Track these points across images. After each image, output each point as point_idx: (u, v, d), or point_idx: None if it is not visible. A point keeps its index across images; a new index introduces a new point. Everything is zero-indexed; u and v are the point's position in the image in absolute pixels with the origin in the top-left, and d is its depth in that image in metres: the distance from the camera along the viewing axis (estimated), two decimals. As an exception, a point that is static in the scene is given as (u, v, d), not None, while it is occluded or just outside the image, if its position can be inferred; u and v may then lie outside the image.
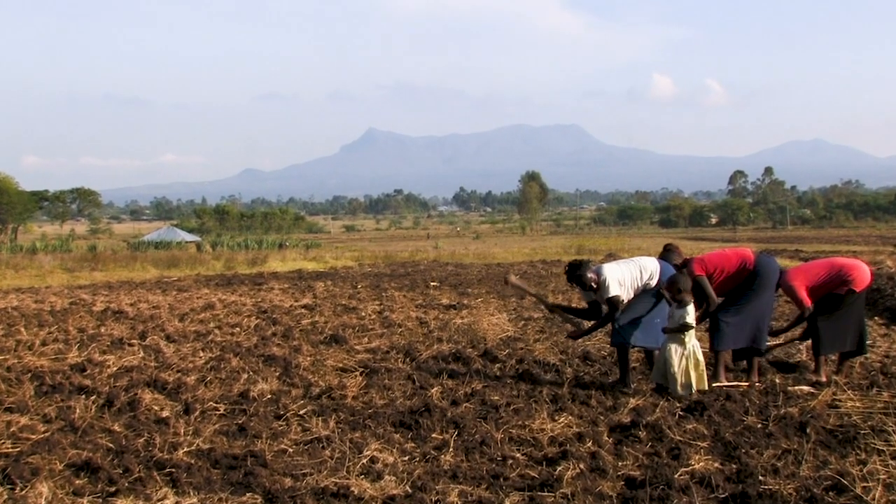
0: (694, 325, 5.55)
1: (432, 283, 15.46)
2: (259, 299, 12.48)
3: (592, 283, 5.88)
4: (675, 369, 5.48)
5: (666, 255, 6.22)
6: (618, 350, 5.95)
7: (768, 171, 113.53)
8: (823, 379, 5.91)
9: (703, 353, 5.73)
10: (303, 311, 10.80)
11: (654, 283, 5.85)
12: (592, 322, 6.15)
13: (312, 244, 42.40)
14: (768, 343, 6.33)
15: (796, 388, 5.67)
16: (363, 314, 10.33)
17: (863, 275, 6.05)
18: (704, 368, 5.59)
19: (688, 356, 5.49)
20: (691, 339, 5.54)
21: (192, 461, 4.20)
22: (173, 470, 4.04)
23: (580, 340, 6.44)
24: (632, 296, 5.87)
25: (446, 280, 16.33)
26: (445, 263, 23.66)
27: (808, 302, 6.01)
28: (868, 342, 7.29)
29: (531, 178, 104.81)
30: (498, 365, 6.80)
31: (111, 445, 4.48)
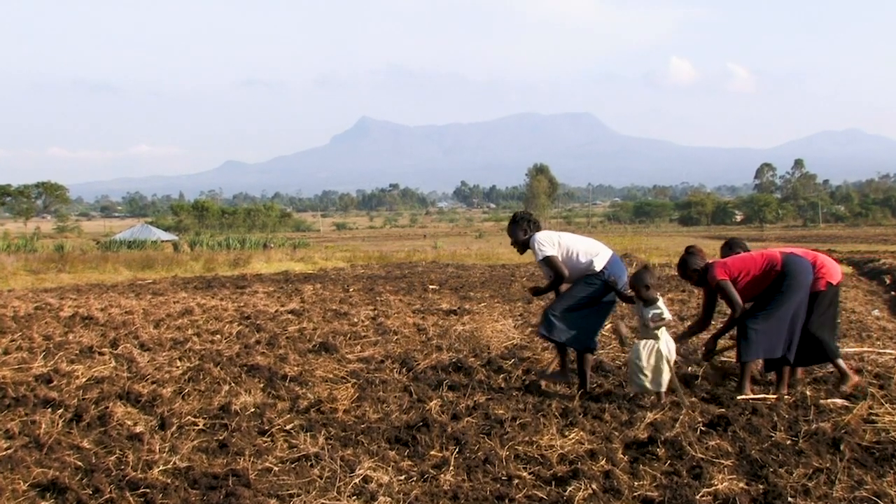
0: (670, 318, 5.75)
1: (431, 286, 15.48)
2: (242, 304, 12.49)
3: (526, 240, 6.13)
4: (643, 363, 5.63)
5: (688, 258, 6.24)
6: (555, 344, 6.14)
7: (798, 163, 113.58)
8: (854, 379, 6.00)
9: (730, 360, 5.75)
10: (289, 316, 10.81)
11: (597, 268, 5.92)
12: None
13: (300, 243, 42.40)
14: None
15: (829, 401, 5.67)
16: (355, 320, 10.34)
17: (833, 265, 6.19)
18: (673, 370, 5.76)
19: (657, 351, 5.63)
20: (664, 335, 5.71)
21: (169, 481, 4.20)
22: (147, 490, 4.04)
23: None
24: (574, 265, 5.97)
25: (446, 283, 16.34)
26: (445, 264, 23.69)
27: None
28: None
29: (539, 171, 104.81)
30: (503, 375, 6.80)
31: (80, 463, 4.48)
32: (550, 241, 6.00)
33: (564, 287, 6.19)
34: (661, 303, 5.75)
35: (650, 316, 5.68)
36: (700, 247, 6.34)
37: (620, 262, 6.15)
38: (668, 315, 5.71)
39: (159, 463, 4.46)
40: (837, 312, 6.31)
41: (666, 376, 5.66)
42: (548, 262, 5.98)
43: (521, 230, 6.18)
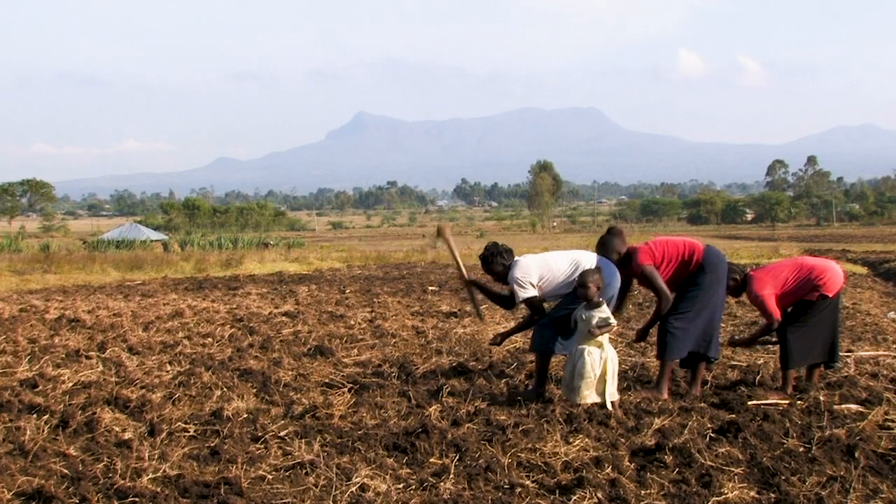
0: (615, 324, 5.67)
1: (430, 288, 15.48)
2: (234, 306, 12.50)
3: (505, 272, 6.13)
4: (592, 374, 5.57)
5: (608, 239, 6.13)
6: (538, 356, 6.09)
7: (811, 160, 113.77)
8: (789, 390, 6.07)
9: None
10: (284, 319, 10.81)
11: None
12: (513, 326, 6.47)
13: (295, 243, 42.44)
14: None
15: (843, 406, 5.68)
16: (352, 323, 10.34)
17: (836, 277, 6.12)
18: (617, 376, 5.76)
19: (607, 360, 5.60)
20: (606, 340, 5.66)
21: (158, 489, 4.20)
22: (136, 499, 4.04)
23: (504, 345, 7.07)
24: (562, 291, 5.98)
25: (446, 284, 16.35)
26: (445, 265, 23.68)
27: (777, 314, 6.09)
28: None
29: (542, 168, 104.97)
30: (505, 380, 6.81)
31: (66, 471, 4.48)
32: (529, 280, 5.99)
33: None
34: (606, 307, 5.65)
35: (595, 321, 5.56)
36: (622, 228, 6.25)
37: (608, 265, 6.03)
38: (614, 321, 5.61)
39: (148, 471, 4.46)
40: (818, 323, 6.12)
41: (613, 386, 5.63)
42: (527, 303, 6.05)
43: (496, 265, 6.18)
